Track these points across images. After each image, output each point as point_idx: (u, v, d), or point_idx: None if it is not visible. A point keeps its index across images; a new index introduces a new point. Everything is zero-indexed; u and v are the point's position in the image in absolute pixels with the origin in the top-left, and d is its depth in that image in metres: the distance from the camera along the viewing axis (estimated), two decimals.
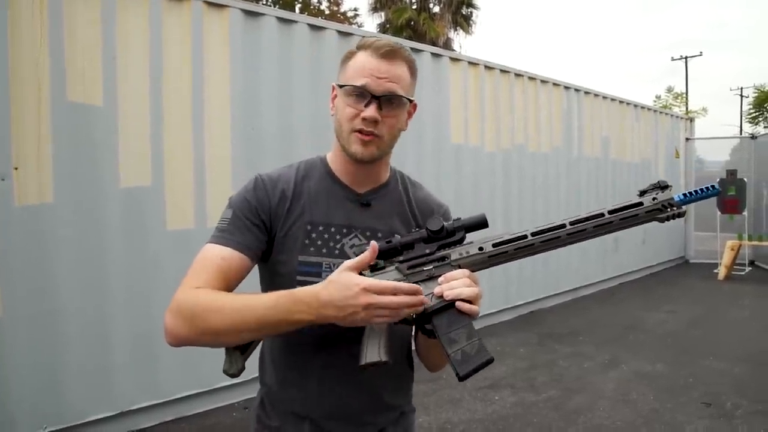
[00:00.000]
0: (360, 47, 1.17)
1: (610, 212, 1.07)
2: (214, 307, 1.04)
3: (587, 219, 1.07)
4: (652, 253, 9.67)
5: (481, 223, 1.11)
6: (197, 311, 1.04)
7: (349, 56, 1.19)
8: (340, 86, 1.17)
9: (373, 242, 1.05)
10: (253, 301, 1.04)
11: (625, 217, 1.07)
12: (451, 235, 1.11)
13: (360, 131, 1.14)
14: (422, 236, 1.11)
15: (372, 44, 1.15)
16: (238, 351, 1.06)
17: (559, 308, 7.17)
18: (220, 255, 1.12)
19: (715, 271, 9.48)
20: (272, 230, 1.19)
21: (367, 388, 1.22)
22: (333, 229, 1.19)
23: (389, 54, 1.14)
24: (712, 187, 1.06)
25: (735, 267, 9.48)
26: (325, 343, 1.18)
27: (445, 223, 1.11)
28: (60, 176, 3.26)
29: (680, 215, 1.06)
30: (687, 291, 8.39)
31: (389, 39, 1.19)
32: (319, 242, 1.18)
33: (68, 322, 3.29)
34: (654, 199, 1.06)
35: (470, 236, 1.13)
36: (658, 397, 4.20)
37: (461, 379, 1.03)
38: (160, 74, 3.65)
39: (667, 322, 6.49)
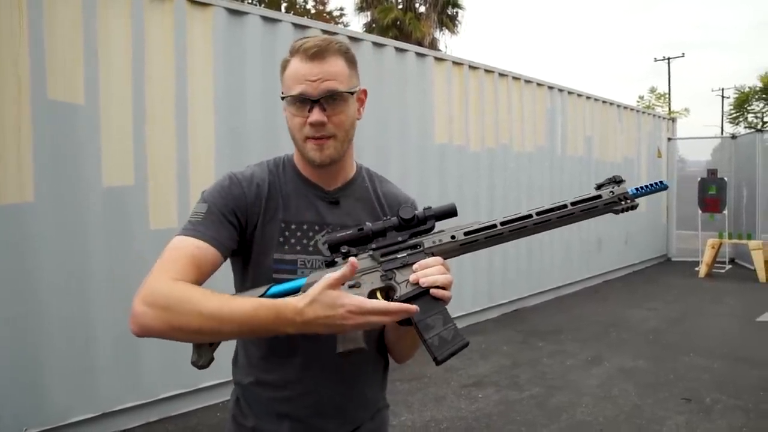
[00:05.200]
0: (291, 53, 1.16)
1: (573, 204, 1.13)
2: (191, 304, 0.99)
3: (551, 210, 1.13)
4: (634, 251, 9.79)
5: (450, 212, 1.14)
6: (173, 305, 1.00)
7: (284, 65, 1.18)
8: (282, 98, 1.17)
9: (352, 259, 1.01)
10: (233, 306, 0.99)
11: (586, 209, 1.13)
12: (422, 223, 1.13)
13: (312, 137, 1.15)
14: (394, 224, 1.12)
15: (301, 47, 1.14)
16: (207, 343, 1.06)
17: (542, 306, 7.23)
18: (194, 245, 1.10)
19: (696, 269, 9.62)
20: (247, 228, 1.19)
21: (348, 383, 1.23)
22: (305, 227, 1.21)
23: (317, 54, 1.12)
24: (660, 182, 1.17)
25: (715, 265, 9.63)
26: (305, 341, 1.18)
27: (417, 212, 1.13)
28: (41, 175, 3.22)
29: (633, 208, 1.14)
30: (669, 289, 8.50)
31: (318, 37, 1.16)
32: (293, 240, 1.19)
33: (50, 323, 3.26)
34: (611, 192, 1.14)
35: (440, 225, 1.15)
36: (640, 393, 4.26)
37: (438, 363, 1.05)
38: (143, 72, 3.62)
39: (649, 320, 6.58)
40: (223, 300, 1.00)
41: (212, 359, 1.07)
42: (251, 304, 0.99)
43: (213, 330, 1.00)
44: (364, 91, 1.24)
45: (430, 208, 1.14)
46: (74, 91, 3.34)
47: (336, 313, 0.96)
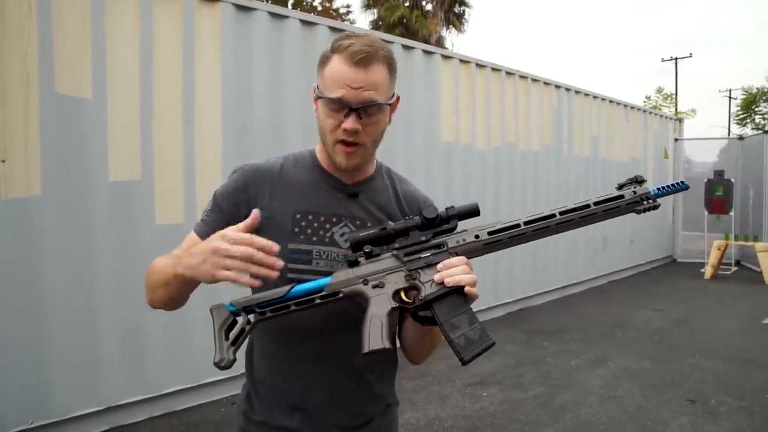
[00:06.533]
0: (334, 50, 1.13)
1: (596, 203, 1.13)
2: (151, 268, 1.19)
3: (574, 210, 1.12)
4: (640, 252, 9.76)
5: (473, 212, 1.13)
6: (147, 273, 1.20)
7: (325, 60, 1.15)
8: (318, 97, 1.15)
9: (255, 211, 1.07)
10: (165, 260, 1.15)
11: (609, 209, 1.13)
12: (445, 222, 1.12)
13: (343, 142, 1.14)
14: (417, 224, 1.12)
15: (346, 49, 1.11)
16: (228, 341, 1.06)
17: (547, 306, 7.22)
18: (195, 240, 1.19)
19: (702, 270, 9.58)
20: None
21: (359, 378, 1.23)
22: (322, 218, 1.21)
23: (363, 61, 1.10)
24: (682, 182, 1.16)
25: (721, 266, 9.59)
26: (314, 334, 1.19)
27: (440, 211, 1.12)
28: (48, 169, 3.23)
29: (655, 208, 1.13)
30: (674, 290, 8.47)
31: (364, 39, 1.12)
32: (309, 230, 1.19)
33: (55, 317, 3.27)
34: (634, 192, 1.13)
35: (462, 225, 1.14)
36: (644, 393, 4.25)
37: (464, 363, 1.04)
38: (151, 67, 3.62)
39: (654, 320, 6.56)
40: (166, 258, 1.16)
41: (234, 359, 1.06)
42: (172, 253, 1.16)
43: (161, 280, 1.14)
44: (398, 99, 1.22)
45: (453, 207, 1.13)
46: (82, 85, 3.34)
47: (208, 239, 1.05)
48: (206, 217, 1.23)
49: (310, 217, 1.20)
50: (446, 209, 1.13)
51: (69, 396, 3.34)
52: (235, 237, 1.00)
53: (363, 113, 1.11)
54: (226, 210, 1.21)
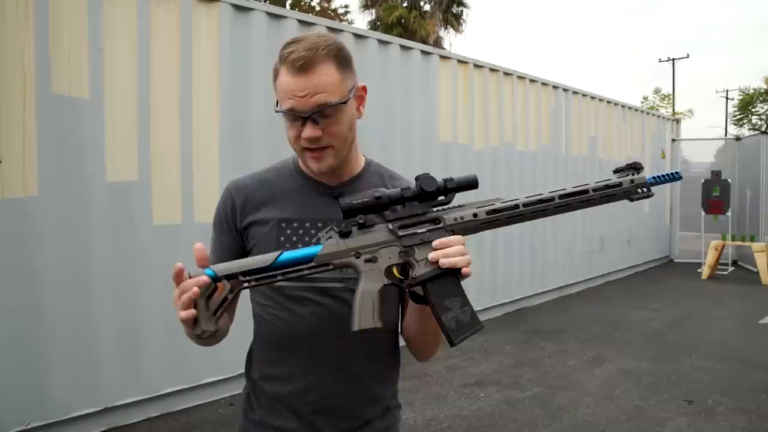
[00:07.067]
0: (281, 60, 1.10)
1: (594, 189, 1.12)
2: None
3: (573, 194, 1.11)
4: (637, 252, 9.77)
5: (472, 184, 1.11)
6: None
7: (275, 73, 1.13)
8: (275, 111, 1.13)
9: (197, 244, 1.03)
10: None
11: (606, 195, 1.12)
12: (443, 194, 1.09)
13: (308, 149, 1.13)
14: (413, 194, 1.07)
15: (287, 58, 1.08)
16: (209, 311, 1.01)
17: (545, 306, 7.23)
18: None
19: (699, 270, 9.60)
20: (244, 231, 1.23)
21: (353, 380, 1.22)
22: (308, 224, 1.20)
23: (304, 67, 1.06)
24: (676, 173, 1.16)
25: (718, 267, 9.61)
26: (309, 336, 1.18)
27: (439, 182, 1.08)
28: (45, 169, 3.22)
29: (648, 196, 1.14)
30: (671, 290, 8.48)
31: (305, 42, 1.09)
32: (294, 238, 1.19)
33: (53, 317, 3.26)
34: (632, 180, 1.12)
35: (458, 198, 1.12)
36: (642, 394, 4.25)
37: (453, 345, 1.04)
38: (148, 68, 3.62)
39: (651, 321, 6.57)
40: None
41: (213, 331, 1.02)
42: None
43: None
44: (363, 88, 1.18)
45: (452, 179, 1.09)
46: (79, 85, 3.33)
47: None
48: (212, 248, 1.26)
49: (295, 225, 1.20)
50: (444, 180, 1.09)
51: (66, 397, 3.33)
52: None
53: (319, 118, 1.08)
54: (225, 231, 1.25)
